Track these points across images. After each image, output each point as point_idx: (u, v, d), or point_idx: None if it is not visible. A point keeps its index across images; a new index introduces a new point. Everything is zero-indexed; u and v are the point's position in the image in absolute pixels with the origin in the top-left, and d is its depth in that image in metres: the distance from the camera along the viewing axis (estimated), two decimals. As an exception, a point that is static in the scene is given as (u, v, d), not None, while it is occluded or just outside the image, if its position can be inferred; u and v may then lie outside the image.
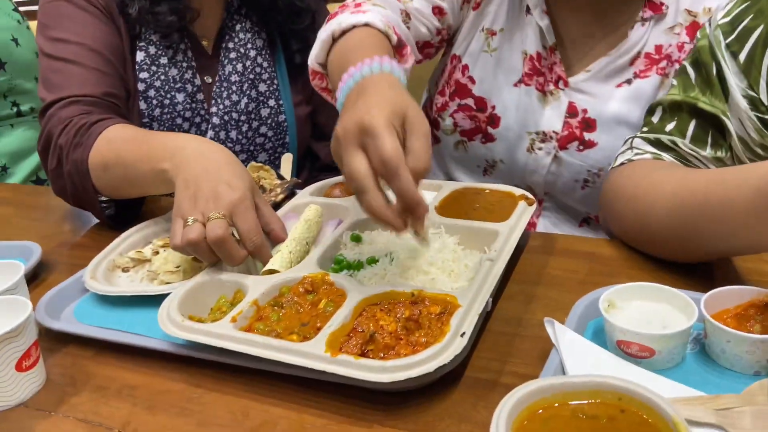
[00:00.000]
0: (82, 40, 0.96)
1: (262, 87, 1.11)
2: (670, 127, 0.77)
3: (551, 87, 0.93)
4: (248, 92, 1.09)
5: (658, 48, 0.88)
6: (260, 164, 0.95)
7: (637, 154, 0.78)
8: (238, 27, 1.10)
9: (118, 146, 0.83)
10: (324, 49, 0.79)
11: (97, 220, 0.93)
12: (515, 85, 0.95)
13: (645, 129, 0.81)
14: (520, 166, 0.97)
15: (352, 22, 0.78)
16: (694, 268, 0.68)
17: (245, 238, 0.69)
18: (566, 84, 0.92)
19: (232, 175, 0.71)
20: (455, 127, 1.00)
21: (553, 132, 0.94)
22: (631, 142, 0.81)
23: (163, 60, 1.04)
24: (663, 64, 0.88)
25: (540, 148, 0.95)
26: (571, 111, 0.92)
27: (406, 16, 0.90)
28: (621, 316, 0.57)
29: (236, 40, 1.09)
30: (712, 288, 0.56)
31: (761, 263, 0.69)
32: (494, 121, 0.97)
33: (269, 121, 1.12)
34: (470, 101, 0.97)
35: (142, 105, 1.03)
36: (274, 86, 1.13)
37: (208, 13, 1.08)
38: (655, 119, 0.80)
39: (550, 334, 0.56)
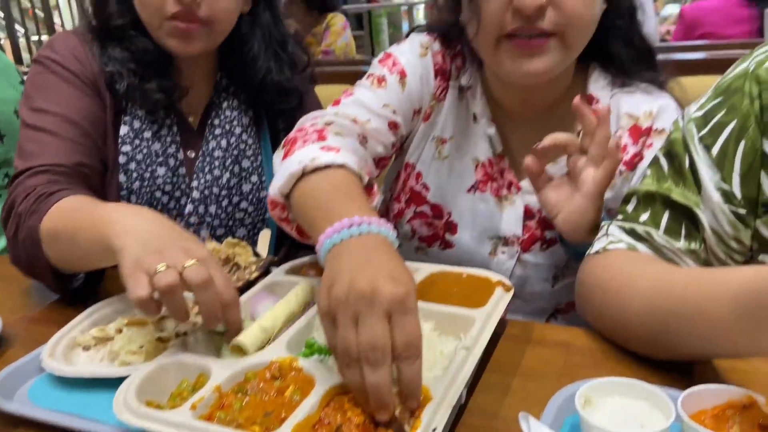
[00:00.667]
0: (62, 111, 0.97)
1: (246, 163, 1.11)
2: (644, 217, 0.78)
3: (505, 192, 0.93)
4: (231, 168, 1.10)
5: None
6: (236, 240, 0.94)
7: (612, 242, 0.78)
8: (225, 104, 1.11)
9: (67, 215, 0.81)
10: (292, 181, 0.75)
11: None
12: (469, 191, 0.95)
13: (620, 217, 0.81)
14: None
15: (326, 160, 0.75)
16: (673, 362, 0.67)
17: (220, 291, 0.65)
18: (519, 188, 0.93)
19: (190, 240, 0.69)
20: (413, 234, 0.99)
21: (514, 236, 0.93)
22: (607, 228, 0.81)
23: (147, 134, 1.04)
24: None
25: (503, 252, 0.95)
26: (528, 213, 0.93)
27: (363, 139, 0.89)
28: (598, 413, 0.55)
29: (222, 117, 1.10)
30: (690, 384, 0.55)
31: (740, 362, 0.67)
32: (451, 228, 0.96)
33: (250, 197, 1.12)
34: (426, 208, 0.97)
35: (122, 178, 1.03)
36: (258, 162, 1.13)
37: (197, 90, 1.09)
38: (629, 208, 0.80)
39: (525, 431, 0.54)
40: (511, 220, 0.93)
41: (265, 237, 1.05)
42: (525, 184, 0.92)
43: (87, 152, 0.97)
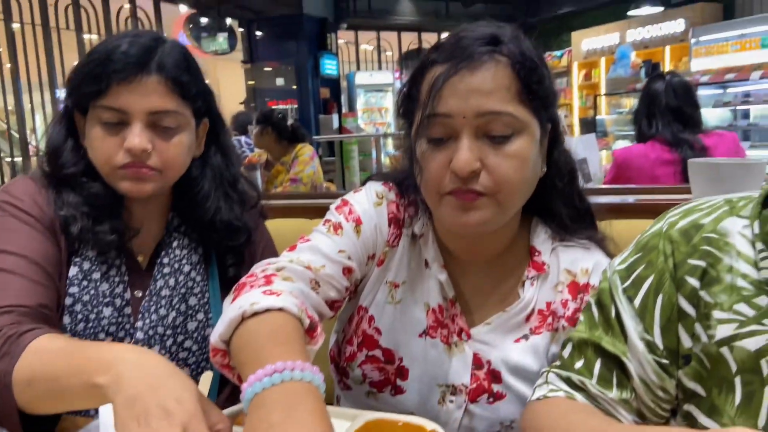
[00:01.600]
0: (24, 252, 0.97)
1: (192, 300, 1.12)
2: (579, 365, 0.79)
3: (455, 338, 0.94)
4: (177, 306, 1.09)
5: (548, 304, 0.92)
6: None
7: (552, 390, 0.80)
8: (175, 243, 1.12)
9: (47, 358, 0.77)
10: (231, 327, 0.75)
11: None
12: (420, 336, 0.95)
13: (557, 363, 0.83)
14: (431, 419, 0.96)
15: (265, 305, 0.75)
16: None
17: None
18: (469, 336, 0.93)
19: (179, 388, 0.66)
20: (364, 378, 0.98)
21: (462, 385, 0.93)
22: (547, 375, 0.83)
23: (96, 275, 1.04)
24: (550, 320, 0.92)
25: (451, 401, 0.94)
26: (477, 362, 0.93)
27: (316, 284, 0.90)
28: None
29: (172, 255, 1.11)
30: None
31: None
32: (403, 373, 0.95)
33: (195, 335, 1.11)
34: (378, 353, 0.97)
35: (66, 319, 1.01)
36: (205, 299, 1.13)
37: (147, 230, 1.11)
38: (566, 354, 0.83)
39: None
40: (459, 367, 0.92)
41: (206, 380, 1.03)
42: (475, 331, 0.93)
43: (48, 294, 0.95)
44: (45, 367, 0.77)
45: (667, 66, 7.87)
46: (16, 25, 6.77)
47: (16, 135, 6.98)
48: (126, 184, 1.02)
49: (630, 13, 8.22)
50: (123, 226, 1.05)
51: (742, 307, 0.70)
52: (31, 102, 7.07)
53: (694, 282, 0.73)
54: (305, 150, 3.82)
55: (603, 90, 8.32)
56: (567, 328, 0.91)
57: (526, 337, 0.92)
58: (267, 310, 0.75)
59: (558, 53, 10.40)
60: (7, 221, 1.00)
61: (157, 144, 1.01)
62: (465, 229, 0.85)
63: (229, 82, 10.46)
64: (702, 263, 0.73)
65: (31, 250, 0.97)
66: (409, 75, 0.90)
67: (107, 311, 1.04)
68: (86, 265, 1.04)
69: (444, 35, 0.91)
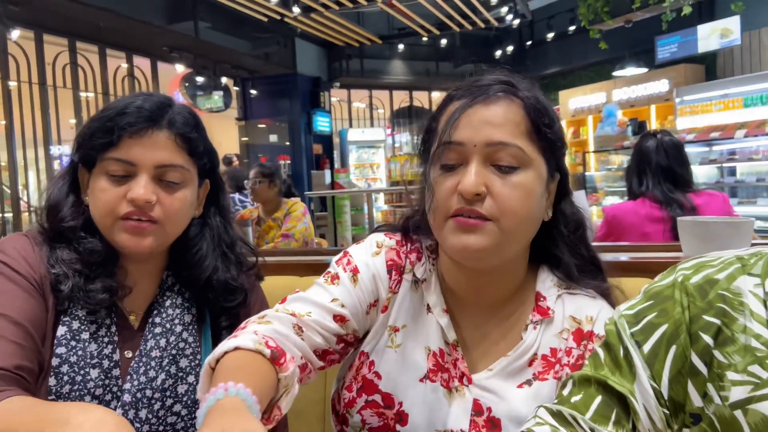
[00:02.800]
0: (7, 312, 0.95)
1: (184, 362, 1.08)
2: (575, 399, 0.76)
3: (456, 383, 0.93)
4: (167, 368, 1.06)
5: (553, 351, 0.92)
6: None
7: (538, 423, 0.77)
8: (168, 302, 1.10)
9: (11, 417, 0.77)
10: (206, 380, 0.80)
11: None
12: (421, 380, 0.94)
13: (555, 401, 0.82)
14: None
15: (223, 349, 0.81)
16: None
17: None
18: (470, 381, 0.93)
19: None
20: (363, 425, 0.96)
21: (461, 431, 0.92)
22: (536, 411, 0.80)
23: (85, 335, 1.01)
24: (557, 367, 0.91)
25: None
26: (477, 409, 0.91)
27: (299, 329, 0.91)
28: None
29: (164, 315, 1.08)
30: None
31: None
32: (402, 418, 0.94)
33: (185, 399, 1.07)
34: (377, 397, 0.96)
35: (52, 381, 0.98)
36: (197, 362, 1.10)
37: (141, 289, 1.08)
38: (565, 392, 0.80)
39: None
40: (459, 413, 0.91)
41: None
42: (477, 377, 0.92)
43: (28, 355, 0.93)
44: (9, 425, 0.76)
45: (653, 124, 8.07)
46: (13, 83, 6.88)
47: (8, 191, 6.98)
48: (125, 237, 1.01)
49: (615, 73, 8.49)
50: (116, 285, 1.03)
51: (756, 369, 0.68)
52: (25, 159, 7.11)
53: (708, 339, 0.71)
54: (298, 206, 3.84)
55: (591, 147, 8.49)
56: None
57: (529, 382, 0.90)
58: (225, 353, 0.81)
59: (546, 111, 10.65)
60: None
61: (161, 196, 1.02)
62: (465, 253, 0.86)
63: (223, 139, 10.60)
64: (717, 321, 0.71)
65: (15, 309, 0.95)
66: (431, 114, 0.96)
67: (94, 373, 1.00)
68: (75, 325, 1.01)
69: (435, 94, 1.00)
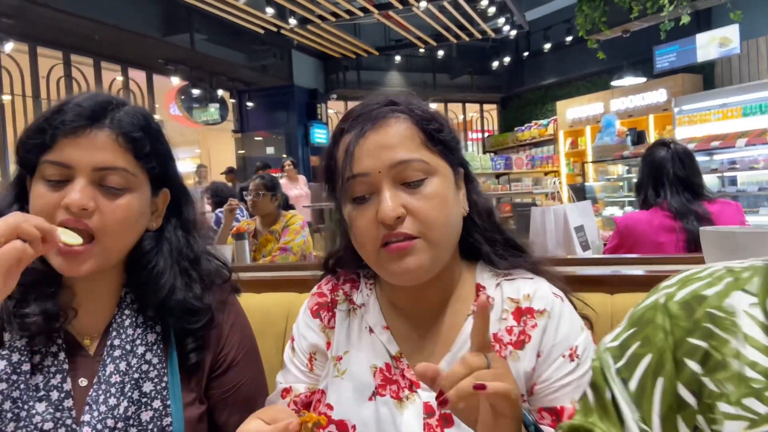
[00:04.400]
0: None
1: (147, 386, 0.96)
2: None
3: (406, 392, 0.94)
4: (129, 394, 0.94)
5: (494, 335, 0.92)
6: None
7: None
8: (127, 322, 0.99)
9: None
10: None
11: None
12: (370, 399, 0.94)
13: None
14: None
15: None
16: None
17: None
18: (418, 386, 0.93)
19: None
20: None
21: None
22: None
23: (26, 366, 0.91)
24: (498, 347, 0.92)
25: None
26: (428, 411, 0.92)
27: (294, 404, 1.00)
28: None
29: (124, 336, 0.98)
30: None
31: None
32: None
33: (150, 426, 0.94)
34: (332, 428, 0.95)
35: None
36: (162, 385, 0.97)
37: (94, 311, 0.98)
38: None
39: None
40: (411, 419, 0.92)
41: None
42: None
43: None
44: None
45: (651, 134, 8.03)
46: (6, 97, 6.81)
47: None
48: (57, 261, 0.90)
49: (613, 83, 8.47)
50: (55, 308, 0.93)
51: (752, 403, 0.60)
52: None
53: (694, 366, 0.64)
54: (296, 219, 3.76)
55: (590, 157, 8.44)
56: (513, 352, 0.91)
57: None
58: None
59: (544, 122, 10.64)
60: None
61: (100, 203, 0.91)
62: (407, 276, 0.89)
63: (219, 152, 10.53)
64: (703, 344, 0.64)
65: None
66: (326, 150, 0.97)
67: (40, 407, 0.90)
68: (15, 357, 0.91)
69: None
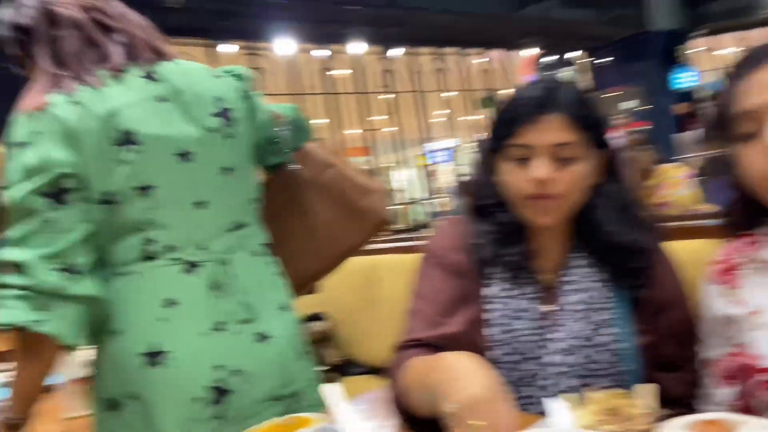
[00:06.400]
0: (426, 292, 1.22)
1: (603, 315, 1.17)
2: None
3: None
4: (588, 319, 1.17)
5: None
6: (621, 391, 0.98)
7: None
8: (580, 263, 1.21)
9: (412, 370, 1.04)
10: None
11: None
12: None
13: None
14: None
15: None
16: None
17: None
18: None
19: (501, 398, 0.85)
20: None
21: None
22: None
23: (508, 293, 1.20)
24: None
25: None
26: None
27: None
28: None
29: (575, 276, 1.21)
30: None
31: None
32: None
33: (607, 348, 1.16)
34: None
35: (488, 332, 1.17)
36: (614, 315, 1.18)
37: (551, 254, 1.22)
38: None
39: None
40: None
41: (647, 390, 1.07)
42: None
43: (444, 327, 1.16)
44: (412, 375, 1.02)
45: None
46: (390, 96, 8.10)
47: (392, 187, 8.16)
48: (531, 213, 1.16)
49: None
50: (527, 249, 1.19)
51: None
52: (402, 157, 8.25)
53: None
54: (676, 171, 3.60)
55: None
56: None
57: None
58: None
59: None
60: (426, 268, 1.26)
61: (558, 173, 1.13)
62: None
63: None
64: None
65: (436, 290, 1.21)
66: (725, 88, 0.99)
67: (521, 324, 1.18)
68: (498, 285, 1.21)
69: None
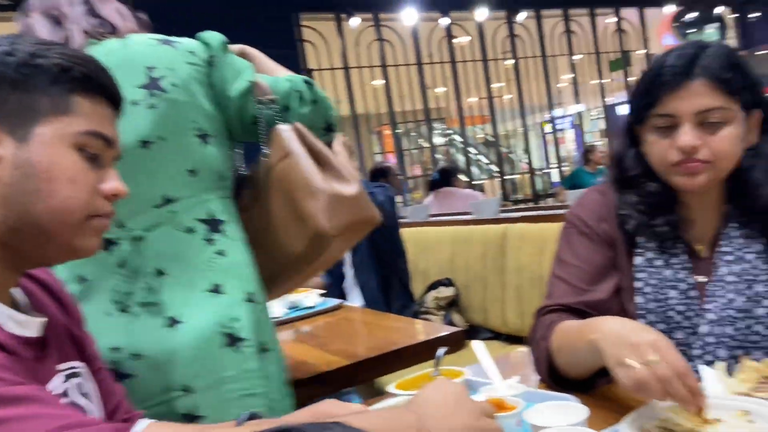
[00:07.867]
0: (575, 261, 1.22)
1: (759, 287, 1.14)
2: None
3: None
4: (744, 292, 1.14)
5: None
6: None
7: None
8: (733, 233, 1.17)
9: (562, 334, 1.10)
10: None
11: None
12: None
13: None
14: None
15: None
16: None
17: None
18: None
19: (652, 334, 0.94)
20: None
21: None
22: None
23: (658, 262, 1.19)
24: None
25: None
26: None
27: None
28: None
29: (731, 245, 1.17)
30: None
31: None
32: None
33: (764, 320, 1.13)
34: None
35: (639, 299, 1.18)
36: None
37: (703, 221, 1.19)
38: None
39: None
40: None
41: None
42: None
43: (586, 294, 1.19)
44: (566, 337, 1.08)
45: None
46: (509, 62, 7.89)
47: (514, 156, 7.99)
48: (679, 180, 1.13)
49: None
50: (677, 219, 1.18)
51: None
52: (525, 126, 8.02)
53: None
54: None
55: None
56: None
57: None
58: None
59: None
60: (570, 236, 1.27)
61: (706, 139, 1.10)
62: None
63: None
64: None
65: (581, 258, 1.22)
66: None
67: (672, 293, 1.18)
68: (648, 255, 1.20)
69: None
